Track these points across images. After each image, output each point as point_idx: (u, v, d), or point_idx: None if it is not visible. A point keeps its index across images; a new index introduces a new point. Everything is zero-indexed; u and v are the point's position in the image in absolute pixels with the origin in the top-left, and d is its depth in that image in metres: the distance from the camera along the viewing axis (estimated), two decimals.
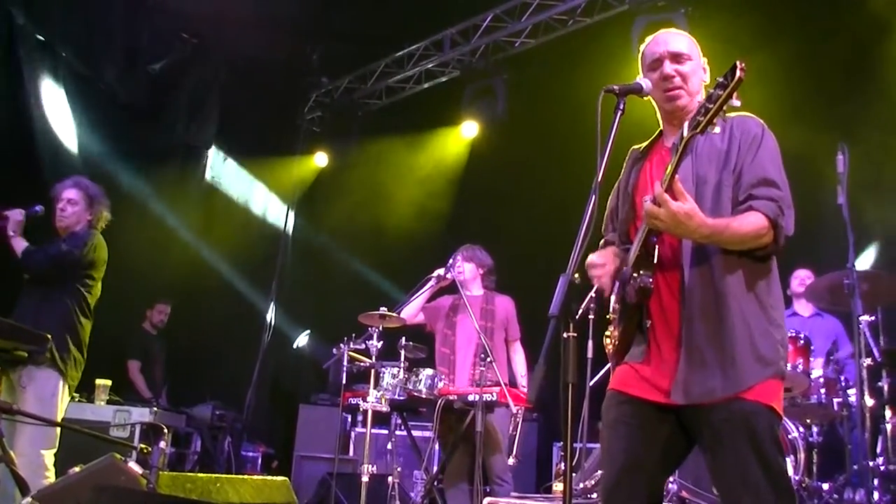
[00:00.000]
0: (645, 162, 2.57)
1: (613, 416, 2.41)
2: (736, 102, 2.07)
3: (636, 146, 2.67)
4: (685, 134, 2.15)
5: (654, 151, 2.57)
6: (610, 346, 2.55)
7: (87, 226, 4.63)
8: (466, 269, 5.70)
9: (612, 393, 2.45)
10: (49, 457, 4.16)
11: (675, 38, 2.53)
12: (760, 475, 2.17)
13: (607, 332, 2.59)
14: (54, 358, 4.26)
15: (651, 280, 2.32)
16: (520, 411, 5.31)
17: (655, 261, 2.34)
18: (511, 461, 5.35)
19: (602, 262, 2.49)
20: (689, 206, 2.16)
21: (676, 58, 2.48)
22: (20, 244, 4.48)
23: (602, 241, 2.71)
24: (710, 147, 2.38)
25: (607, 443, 2.42)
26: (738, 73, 2.03)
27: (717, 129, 2.13)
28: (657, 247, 2.34)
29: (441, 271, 5.56)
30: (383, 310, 5.26)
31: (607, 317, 2.57)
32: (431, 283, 5.61)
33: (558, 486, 5.29)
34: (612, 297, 2.53)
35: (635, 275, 2.33)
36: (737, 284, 2.29)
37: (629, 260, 2.38)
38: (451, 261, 5.59)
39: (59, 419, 4.26)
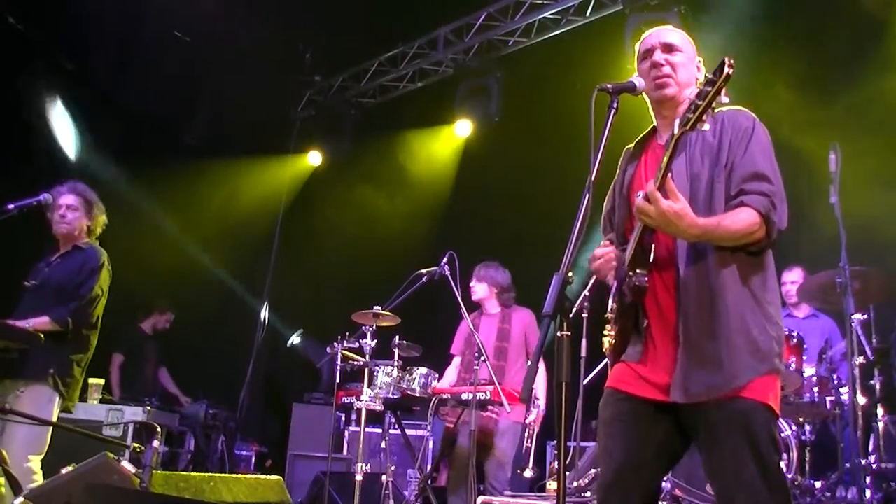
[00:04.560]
0: (639, 159, 2.57)
1: (610, 414, 2.41)
2: (724, 99, 2.08)
3: (629, 145, 2.66)
4: (675, 131, 2.14)
5: (648, 148, 2.57)
6: (608, 346, 2.55)
7: (86, 232, 4.55)
8: (479, 290, 5.62)
9: (610, 391, 2.45)
10: (36, 462, 4.10)
11: (669, 32, 2.58)
12: (756, 473, 2.18)
13: (605, 332, 2.58)
14: (55, 380, 4.20)
15: (646, 279, 2.32)
16: (535, 424, 5.29)
17: (651, 259, 2.34)
18: (528, 473, 5.30)
19: (602, 252, 2.48)
20: (679, 206, 2.15)
21: (668, 48, 2.52)
22: (42, 320, 4.24)
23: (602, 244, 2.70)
24: (703, 143, 2.38)
25: (604, 440, 2.42)
26: (725, 69, 2.04)
27: (707, 127, 2.12)
28: (653, 245, 2.34)
29: (430, 270, 5.38)
30: (377, 308, 5.26)
31: (606, 316, 2.56)
32: (422, 281, 5.55)
33: (552, 485, 5.30)
34: (610, 297, 2.53)
35: (630, 274, 2.33)
36: (732, 280, 2.29)
37: (625, 258, 2.37)
38: (442, 261, 5.51)
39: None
